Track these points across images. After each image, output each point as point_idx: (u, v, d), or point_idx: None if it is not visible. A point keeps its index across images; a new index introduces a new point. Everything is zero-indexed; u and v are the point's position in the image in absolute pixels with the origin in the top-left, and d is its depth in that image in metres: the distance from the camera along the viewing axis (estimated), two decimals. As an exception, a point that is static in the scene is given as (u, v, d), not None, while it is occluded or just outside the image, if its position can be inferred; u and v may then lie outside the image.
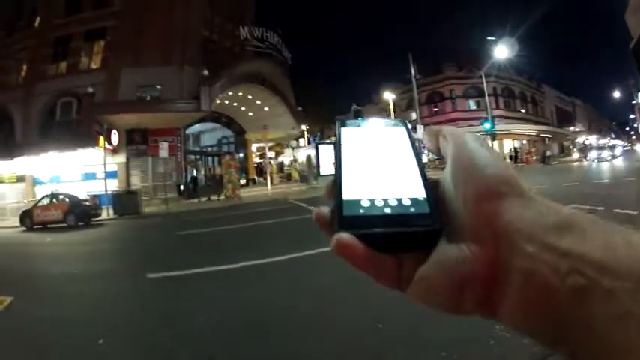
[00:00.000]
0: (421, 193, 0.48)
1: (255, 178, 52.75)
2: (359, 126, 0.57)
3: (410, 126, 0.57)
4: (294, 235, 13.00)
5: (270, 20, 48.46)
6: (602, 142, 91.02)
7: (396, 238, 0.45)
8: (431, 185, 0.49)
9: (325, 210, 0.49)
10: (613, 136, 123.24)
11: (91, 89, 30.69)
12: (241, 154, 48.33)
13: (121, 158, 32.23)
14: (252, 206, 24.43)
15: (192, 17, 36.31)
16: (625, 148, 78.69)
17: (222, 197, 31.40)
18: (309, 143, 53.44)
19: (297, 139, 56.62)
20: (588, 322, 0.35)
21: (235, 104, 44.01)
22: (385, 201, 0.47)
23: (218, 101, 36.65)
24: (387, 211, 0.46)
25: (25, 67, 34.93)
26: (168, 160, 31.80)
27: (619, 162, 46.84)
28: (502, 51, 43.92)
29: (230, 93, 38.71)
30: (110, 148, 29.94)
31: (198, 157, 41.30)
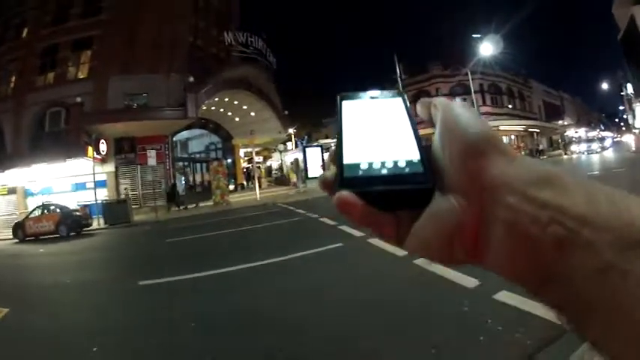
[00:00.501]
0: (416, 155, 0.51)
1: (244, 182, 53.22)
2: (358, 98, 0.62)
3: (406, 96, 0.62)
4: (283, 239, 13.60)
5: (255, 25, 49.04)
6: (592, 134, 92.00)
7: (392, 196, 0.49)
8: (425, 148, 0.53)
9: (329, 175, 0.53)
10: (602, 128, 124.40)
11: (79, 99, 31.03)
12: (229, 160, 48.75)
13: (110, 167, 32.53)
14: (241, 211, 24.82)
15: (178, 24, 36.75)
16: (615, 140, 79.65)
17: (211, 203, 31.79)
18: (296, 147, 53.81)
19: (284, 143, 57.05)
20: (570, 274, 0.37)
21: (222, 110, 44.57)
22: (382, 163, 0.51)
23: (205, 107, 37.08)
24: (384, 171, 0.50)
25: (14, 79, 35.09)
26: (156, 167, 32.10)
27: (609, 153, 47.67)
28: (488, 48, 44.72)
29: (216, 99, 39.20)
30: (99, 157, 30.29)
31: (186, 163, 41.69)
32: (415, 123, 0.56)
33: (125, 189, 31.79)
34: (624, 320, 0.34)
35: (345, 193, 0.47)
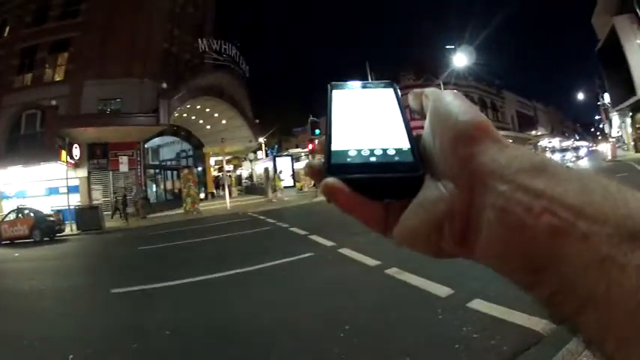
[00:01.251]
0: (405, 144, 0.51)
1: (214, 191, 53.51)
2: (349, 88, 0.62)
3: (397, 86, 0.62)
4: (254, 248, 13.78)
5: (230, 32, 49.40)
6: (566, 143, 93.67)
7: (381, 184, 0.48)
8: (416, 137, 0.53)
9: (317, 162, 0.54)
10: (577, 137, 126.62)
11: (54, 102, 31.05)
12: (200, 168, 48.86)
13: (83, 172, 32.46)
14: (211, 220, 25.16)
15: (153, 29, 37.14)
16: (590, 149, 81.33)
17: (182, 211, 32.07)
18: (267, 156, 54.27)
19: (254, 152, 57.37)
20: (565, 264, 0.36)
21: (194, 117, 44.93)
22: (371, 151, 0.50)
23: (177, 114, 37.47)
24: (373, 159, 0.50)
25: None
26: (128, 174, 32.65)
27: (584, 163, 47.88)
28: (461, 59, 45.72)
29: (188, 106, 39.57)
30: (72, 162, 30.35)
31: (157, 171, 41.81)
32: (406, 113, 0.57)
33: (125, 188, 32.10)
34: (621, 314, 0.33)
35: (331, 180, 0.47)
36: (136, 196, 31.29)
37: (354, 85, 0.63)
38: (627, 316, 0.33)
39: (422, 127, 0.53)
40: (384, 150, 0.51)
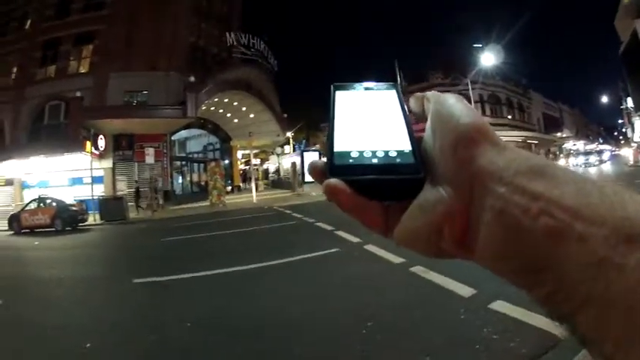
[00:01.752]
0: (407, 146, 0.52)
1: (241, 184, 53.09)
2: (352, 89, 0.63)
3: (400, 88, 0.63)
4: (279, 242, 13.58)
5: (258, 27, 48.92)
6: (590, 147, 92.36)
7: (382, 185, 0.49)
8: (417, 139, 0.53)
9: (320, 163, 0.53)
10: (601, 141, 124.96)
11: (79, 93, 31.06)
12: (227, 161, 48.68)
13: (108, 163, 32.55)
14: (237, 213, 24.84)
15: (179, 23, 36.94)
16: (613, 153, 79.98)
17: (208, 203, 31.82)
18: (294, 150, 53.92)
19: (282, 146, 57.16)
20: (563, 265, 0.36)
21: (221, 111, 44.66)
22: (373, 152, 0.51)
23: (204, 107, 37.22)
24: (375, 160, 0.51)
25: (15, 70, 35.17)
26: (154, 165, 32.23)
27: (607, 167, 47.44)
28: (489, 58, 44.95)
29: (216, 99, 39.31)
30: (97, 153, 30.27)
31: (184, 163, 41.76)
32: (408, 114, 0.57)
33: (136, 181, 31.98)
34: (620, 313, 0.34)
35: (333, 181, 0.48)
36: (153, 188, 30.82)
37: (357, 86, 0.63)
38: (625, 315, 0.33)
39: (424, 130, 0.54)
40: (386, 152, 0.52)
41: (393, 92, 0.61)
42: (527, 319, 5.00)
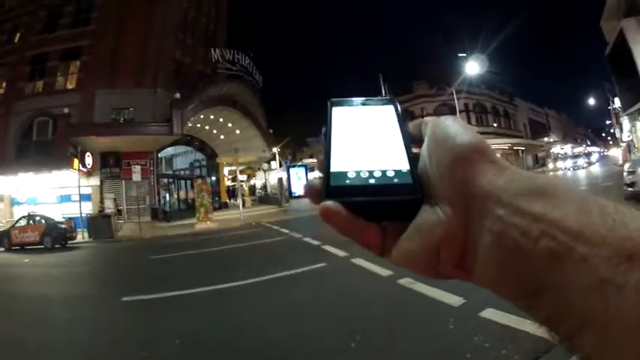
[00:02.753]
0: (405, 166, 0.52)
1: (228, 201, 53.20)
2: (349, 105, 0.62)
3: (398, 103, 0.63)
4: (267, 258, 13.65)
5: (242, 43, 49.29)
6: (578, 150, 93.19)
7: (379, 206, 0.49)
8: (415, 158, 0.53)
9: (316, 182, 0.53)
10: (589, 143, 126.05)
11: (66, 110, 31.07)
12: (213, 178, 48.58)
13: (95, 181, 32.66)
14: (225, 229, 25.06)
15: (165, 39, 37.22)
16: (601, 154, 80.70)
17: (195, 221, 31.77)
18: (280, 166, 54.15)
19: (268, 162, 57.33)
20: (563, 286, 0.36)
21: (207, 127, 44.69)
22: (370, 172, 0.51)
23: (190, 124, 37.33)
24: (372, 181, 0.50)
25: (3, 85, 35.13)
26: (141, 183, 32.29)
27: (596, 168, 48.04)
28: (473, 67, 45.48)
29: (202, 116, 39.42)
30: (84, 170, 30.46)
31: (170, 180, 41.80)
32: (406, 131, 0.57)
33: (114, 199, 31.88)
34: (618, 334, 0.34)
35: (329, 203, 0.48)
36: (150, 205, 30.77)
37: (355, 101, 0.62)
38: (624, 336, 0.33)
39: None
40: (383, 172, 0.51)
41: (391, 107, 0.61)
42: (519, 325, 5.03)
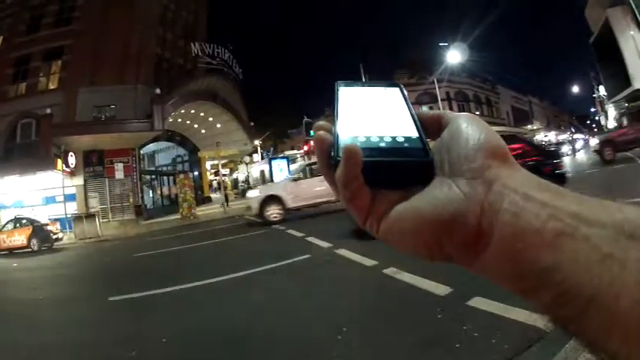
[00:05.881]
0: (414, 133, 0.53)
1: (211, 195, 53.54)
2: (356, 86, 0.63)
3: (403, 87, 0.64)
4: (252, 251, 13.65)
5: (222, 36, 49.51)
6: (562, 137, 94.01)
7: (389, 168, 0.49)
8: (424, 132, 0.54)
9: (327, 136, 0.54)
10: (573, 130, 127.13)
11: (49, 110, 30.95)
12: (196, 172, 49.07)
13: (79, 180, 32.70)
14: (208, 224, 25.26)
15: (146, 35, 37.46)
16: (586, 141, 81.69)
17: (179, 216, 32.10)
18: (262, 158, 54.39)
19: (250, 155, 57.43)
20: (570, 265, 0.38)
21: (188, 122, 45.11)
22: (381, 137, 0.52)
23: (171, 120, 37.64)
24: (382, 145, 0.51)
25: None
26: (124, 181, 32.86)
27: (581, 155, 47.91)
28: (454, 56, 45.99)
29: (182, 111, 39.73)
30: (68, 170, 30.65)
31: (153, 177, 41.96)
32: (412, 108, 0.58)
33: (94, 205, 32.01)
34: (624, 308, 0.35)
35: (357, 147, 0.48)
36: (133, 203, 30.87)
37: (361, 83, 0.65)
38: (630, 309, 0.35)
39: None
40: (393, 137, 0.52)
41: (397, 89, 0.63)
42: (508, 314, 5.08)
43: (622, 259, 0.36)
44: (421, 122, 0.56)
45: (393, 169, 0.49)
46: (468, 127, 0.51)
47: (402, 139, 0.52)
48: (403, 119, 0.56)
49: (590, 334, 0.38)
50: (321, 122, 0.56)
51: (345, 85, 0.63)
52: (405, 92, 0.62)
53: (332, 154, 0.51)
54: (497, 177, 0.46)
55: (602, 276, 0.36)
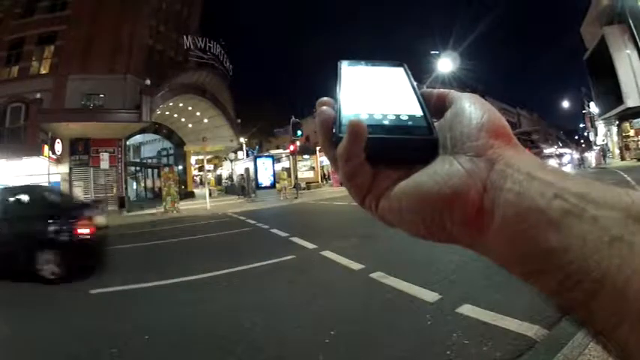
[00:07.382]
0: (418, 111, 0.52)
1: (194, 190, 53.30)
2: (360, 65, 0.63)
3: (407, 67, 0.63)
4: (234, 249, 13.54)
5: (214, 31, 49.61)
6: (549, 150, 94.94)
7: (393, 145, 0.49)
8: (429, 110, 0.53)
9: (330, 111, 0.54)
10: (560, 145, 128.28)
11: (38, 95, 30.77)
12: (180, 167, 49.02)
13: (65, 168, 32.41)
14: (191, 220, 24.96)
15: (138, 26, 37.38)
16: (573, 157, 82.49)
17: (162, 210, 31.68)
18: (247, 156, 54.42)
19: (235, 152, 57.42)
20: (576, 247, 0.37)
21: (176, 115, 45.27)
22: (384, 115, 0.51)
23: (159, 112, 37.65)
24: (386, 122, 0.50)
25: None
26: (109, 171, 32.68)
27: (568, 170, 49.09)
28: (445, 64, 46.46)
29: (171, 103, 39.77)
30: (54, 157, 30.44)
31: (138, 168, 41.64)
32: (417, 88, 0.58)
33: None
34: (634, 295, 0.34)
35: (362, 122, 0.48)
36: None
37: (365, 62, 0.65)
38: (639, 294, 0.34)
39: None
40: (397, 115, 0.52)
41: (401, 69, 0.64)
42: (498, 322, 5.14)
43: (630, 241, 0.35)
44: (426, 101, 0.57)
45: (397, 147, 0.49)
46: (472, 107, 0.51)
47: (406, 117, 0.52)
48: (407, 98, 0.57)
49: (600, 321, 0.37)
50: (324, 98, 0.57)
51: (349, 64, 0.64)
52: (409, 72, 0.64)
53: (334, 130, 0.51)
54: (500, 156, 0.46)
55: (611, 259, 0.35)
